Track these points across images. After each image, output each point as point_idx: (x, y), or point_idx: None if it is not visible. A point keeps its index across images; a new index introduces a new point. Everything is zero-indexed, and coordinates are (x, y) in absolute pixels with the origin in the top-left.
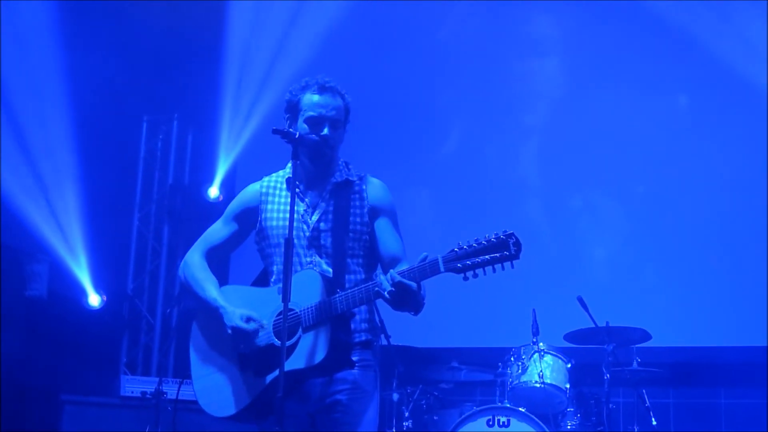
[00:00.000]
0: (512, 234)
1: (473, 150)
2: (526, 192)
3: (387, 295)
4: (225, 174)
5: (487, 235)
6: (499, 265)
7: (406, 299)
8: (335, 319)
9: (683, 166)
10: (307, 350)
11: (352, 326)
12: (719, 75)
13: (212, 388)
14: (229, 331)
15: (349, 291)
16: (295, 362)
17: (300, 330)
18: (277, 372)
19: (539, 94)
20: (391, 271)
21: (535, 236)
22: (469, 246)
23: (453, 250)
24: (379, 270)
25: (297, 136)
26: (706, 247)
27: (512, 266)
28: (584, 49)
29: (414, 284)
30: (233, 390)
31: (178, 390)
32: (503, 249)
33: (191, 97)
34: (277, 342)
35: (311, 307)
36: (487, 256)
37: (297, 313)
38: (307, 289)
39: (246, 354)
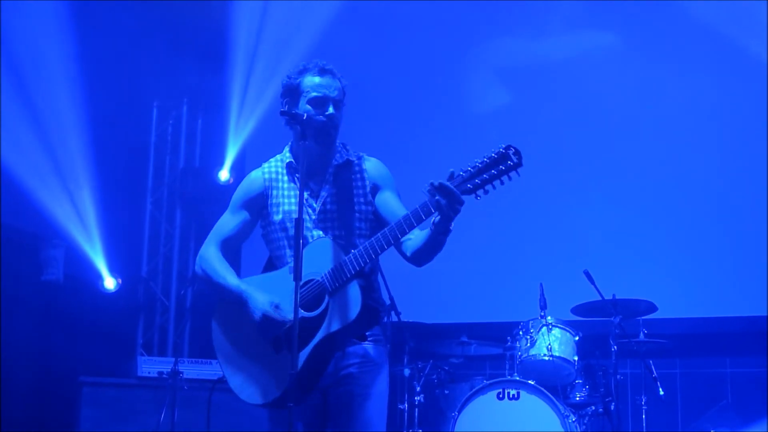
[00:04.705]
0: (510, 145)
1: (474, 121)
2: (530, 166)
3: (443, 202)
4: (235, 157)
5: (486, 154)
6: (506, 176)
7: (455, 203)
8: (358, 279)
9: (688, 138)
10: (340, 310)
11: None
12: (720, 49)
13: (250, 379)
14: (259, 317)
15: (369, 241)
16: (331, 325)
17: (326, 296)
18: (315, 340)
19: (548, 69)
20: (431, 182)
21: (540, 211)
22: (473, 167)
23: (459, 174)
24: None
25: (305, 118)
26: (710, 218)
27: (518, 174)
28: (586, 25)
29: (454, 188)
30: (274, 374)
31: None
32: (506, 160)
33: (200, 83)
34: (305, 313)
35: (331, 270)
36: (493, 171)
37: (319, 281)
38: (322, 256)
39: (277, 336)
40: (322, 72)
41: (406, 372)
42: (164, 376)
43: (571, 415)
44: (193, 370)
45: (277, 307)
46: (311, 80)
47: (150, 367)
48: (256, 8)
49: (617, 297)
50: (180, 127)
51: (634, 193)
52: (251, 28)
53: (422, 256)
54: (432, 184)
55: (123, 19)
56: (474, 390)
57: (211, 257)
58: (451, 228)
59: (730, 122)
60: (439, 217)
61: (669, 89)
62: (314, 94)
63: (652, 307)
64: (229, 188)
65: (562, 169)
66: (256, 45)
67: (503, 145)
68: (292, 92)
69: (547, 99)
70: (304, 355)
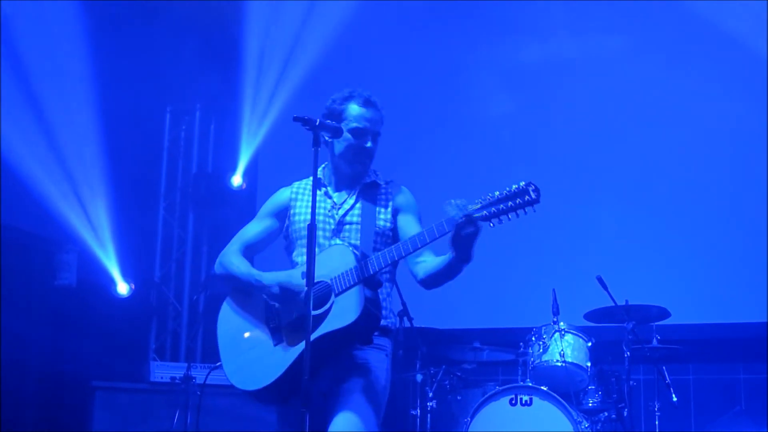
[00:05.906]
0: (530, 182)
1: (485, 126)
2: (542, 173)
3: (461, 220)
4: (247, 162)
5: (507, 187)
6: (522, 210)
7: (475, 231)
8: (365, 285)
9: (702, 142)
10: (341, 311)
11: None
12: (728, 50)
13: (246, 364)
14: (276, 290)
15: (382, 251)
16: (331, 324)
17: (332, 296)
18: (311, 337)
19: (556, 72)
20: (452, 202)
21: (553, 216)
22: (492, 196)
23: (476, 201)
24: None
25: (317, 123)
26: (724, 222)
27: (534, 210)
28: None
29: (480, 214)
30: (268, 362)
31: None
32: (524, 195)
33: (213, 88)
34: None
35: (341, 274)
36: (510, 203)
37: (328, 283)
38: (336, 261)
39: (278, 327)
40: (366, 103)
41: (419, 377)
42: (177, 381)
43: (584, 422)
44: (205, 375)
45: (290, 276)
46: (356, 110)
47: (163, 372)
48: (269, 13)
49: (630, 303)
50: (193, 132)
51: (647, 197)
52: (264, 33)
53: (434, 280)
54: (458, 206)
55: (136, 25)
56: (486, 396)
57: (230, 254)
58: (472, 254)
59: (747, 125)
60: (455, 243)
61: (680, 92)
62: (355, 124)
63: (665, 313)
64: (242, 193)
65: (573, 173)
66: (269, 50)
67: (524, 182)
68: (335, 117)
69: (556, 103)
70: (298, 350)
